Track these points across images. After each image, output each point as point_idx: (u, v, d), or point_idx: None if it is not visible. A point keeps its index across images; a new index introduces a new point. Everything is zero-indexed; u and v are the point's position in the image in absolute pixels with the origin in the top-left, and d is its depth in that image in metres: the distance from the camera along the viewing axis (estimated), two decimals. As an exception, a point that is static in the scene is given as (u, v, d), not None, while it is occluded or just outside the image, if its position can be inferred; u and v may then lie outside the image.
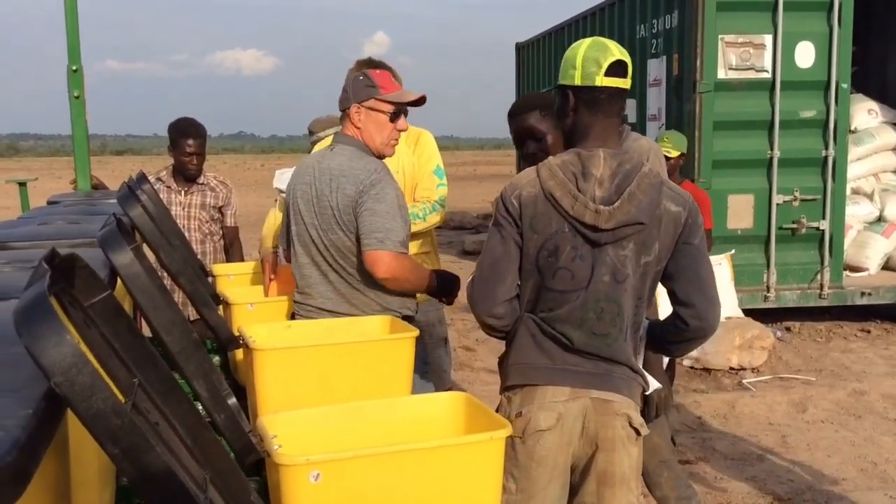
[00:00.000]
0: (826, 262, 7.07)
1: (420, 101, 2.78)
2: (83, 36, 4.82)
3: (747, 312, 6.74)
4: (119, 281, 1.82)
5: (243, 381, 2.63)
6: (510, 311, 2.18)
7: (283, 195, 3.30)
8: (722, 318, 2.25)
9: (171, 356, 1.81)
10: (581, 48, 2.13)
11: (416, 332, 2.26)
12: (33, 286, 1.05)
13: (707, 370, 6.19)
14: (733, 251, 6.65)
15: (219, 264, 4.07)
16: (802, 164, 6.94)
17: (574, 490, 2.18)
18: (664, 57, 7.34)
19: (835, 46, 6.81)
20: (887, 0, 7.97)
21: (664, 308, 2.31)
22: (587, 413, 2.10)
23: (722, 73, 6.78)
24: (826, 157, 6.94)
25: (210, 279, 3.51)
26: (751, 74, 6.82)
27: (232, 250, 4.50)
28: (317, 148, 3.46)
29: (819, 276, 7.10)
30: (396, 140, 2.80)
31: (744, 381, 6.00)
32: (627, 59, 2.14)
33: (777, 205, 6.91)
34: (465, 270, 10.25)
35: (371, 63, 3.13)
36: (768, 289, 7.02)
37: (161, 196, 3.70)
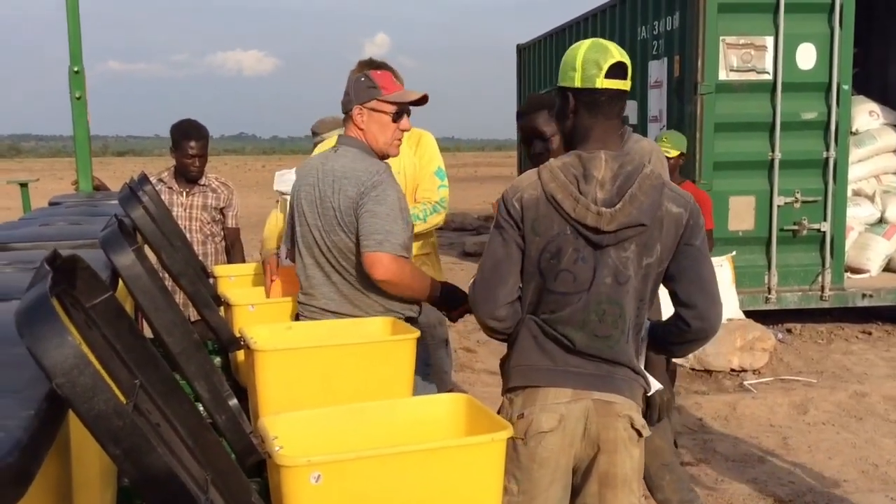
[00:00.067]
0: (827, 264, 7.06)
1: (422, 101, 2.78)
2: (84, 36, 4.83)
3: (748, 314, 6.74)
4: (120, 282, 1.82)
5: (244, 383, 2.63)
6: (512, 313, 2.18)
7: (284, 196, 3.30)
8: (723, 320, 2.25)
9: (173, 357, 1.81)
10: (580, 50, 2.12)
11: (417, 334, 2.26)
12: (35, 287, 1.05)
13: (708, 372, 6.19)
14: (734, 253, 6.65)
15: (220, 265, 4.07)
16: (803, 165, 6.94)
17: (576, 491, 2.18)
18: (665, 58, 7.34)
19: (836, 48, 6.80)
20: (889, 2, 7.97)
21: (666, 309, 2.31)
22: (589, 414, 2.10)
23: (723, 75, 6.78)
24: (827, 159, 6.94)
25: (211, 280, 3.51)
26: (752, 76, 6.82)
27: (233, 251, 4.50)
28: (319, 148, 3.46)
29: (820, 278, 7.09)
30: (400, 140, 2.80)
31: (745, 382, 6.00)
32: (627, 60, 2.13)
33: (778, 206, 6.91)
34: (466, 272, 10.24)
35: (372, 64, 3.13)
36: (769, 290, 7.02)
37: (163, 197, 3.70)
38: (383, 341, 2.33)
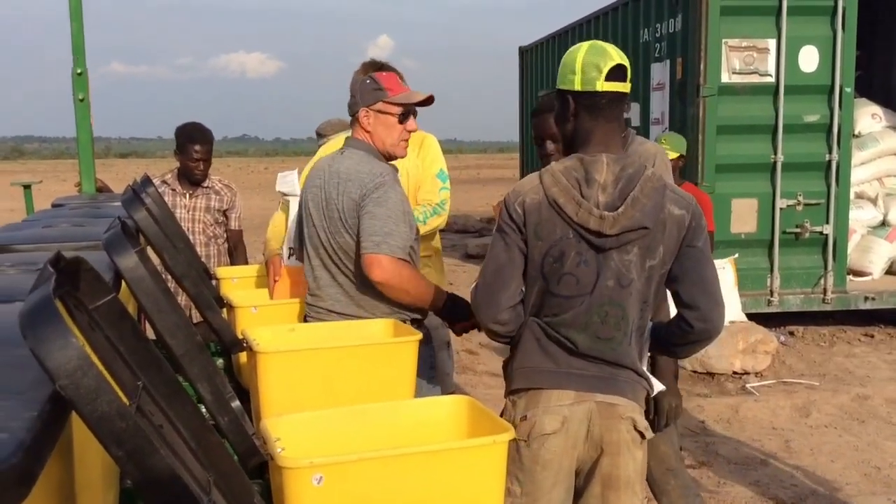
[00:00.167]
0: (830, 267, 7.05)
1: (428, 101, 2.78)
2: (87, 38, 4.84)
3: (751, 317, 6.73)
4: (123, 284, 1.82)
5: (247, 384, 2.63)
6: (514, 317, 2.18)
7: (286, 198, 3.30)
8: (725, 322, 2.25)
9: (176, 359, 1.82)
10: (580, 53, 2.12)
11: (419, 336, 2.26)
12: (38, 289, 1.06)
13: (710, 374, 6.18)
14: (737, 255, 6.65)
15: (223, 267, 4.08)
16: (806, 168, 6.93)
17: (579, 494, 2.18)
18: (668, 61, 7.33)
19: (839, 51, 6.80)
20: (891, 4, 7.97)
21: (674, 308, 2.30)
22: (592, 416, 2.10)
23: (725, 77, 6.77)
24: (830, 162, 6.93)
25: (214, 282, 3.52)
26: (754, 78, 6.82)
27: (236, 253, 4.50)
28: (322, 150, 3.46)
29: (822, 281, 7.08)
30: (407, 141, 2.80)
31: (747, 385, 6.00)
32: (626, 62, 2.13)
33: (781, 209, 6.90)
34: (468, 274, 10.24)
35: (376, 65, 3.14)
36: (772, 293, 7.01)
37: (166, 199, 3.71)
38: (385, 343, 2.33)
